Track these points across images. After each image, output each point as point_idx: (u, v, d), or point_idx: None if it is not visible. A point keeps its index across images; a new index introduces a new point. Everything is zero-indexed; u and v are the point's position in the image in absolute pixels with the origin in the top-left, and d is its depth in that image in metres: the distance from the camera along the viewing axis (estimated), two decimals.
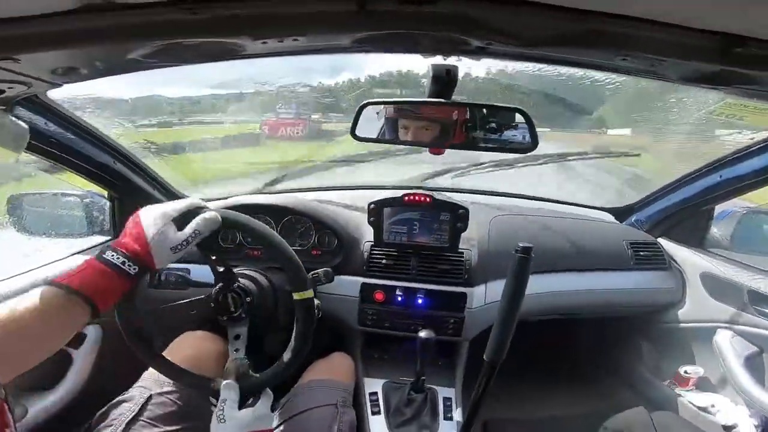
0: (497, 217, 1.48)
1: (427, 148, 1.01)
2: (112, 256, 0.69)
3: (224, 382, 0.91)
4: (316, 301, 0.98)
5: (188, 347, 1.13)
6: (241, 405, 0.89)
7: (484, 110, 0.90)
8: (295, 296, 0.94)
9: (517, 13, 0.52)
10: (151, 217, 0.74)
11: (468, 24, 0.58)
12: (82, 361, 1.19)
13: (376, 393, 1.27)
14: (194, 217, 0.79)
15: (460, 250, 1.34)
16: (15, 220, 1.22)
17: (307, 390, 1.10)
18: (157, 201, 1.40)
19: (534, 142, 0.87)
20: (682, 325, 1.48)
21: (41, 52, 0.58)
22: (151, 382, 0.99)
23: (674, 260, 1.50)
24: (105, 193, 1.31)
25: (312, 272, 1.02)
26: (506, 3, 0.51)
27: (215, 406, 0.89)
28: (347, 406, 1.09)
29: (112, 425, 0.87)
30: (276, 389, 0.97)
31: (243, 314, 1.01)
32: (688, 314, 1.46)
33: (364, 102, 0.92)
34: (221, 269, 1.01)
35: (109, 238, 1.37)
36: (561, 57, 0.66)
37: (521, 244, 0.80)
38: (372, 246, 1.37)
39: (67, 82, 0.77)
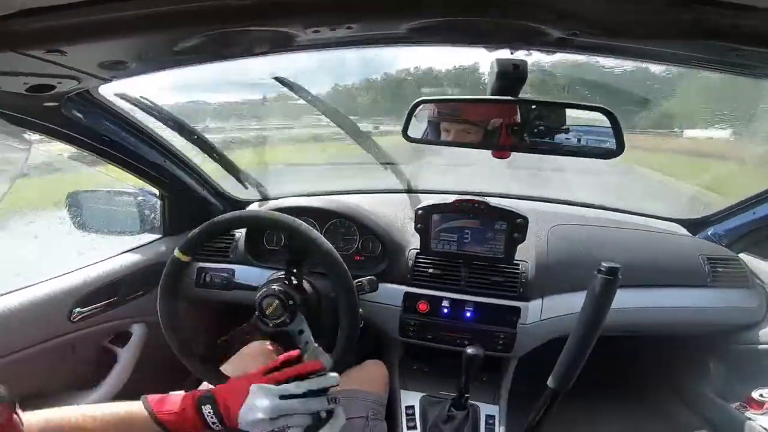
0: (556, 227, 1.37)
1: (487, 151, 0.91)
2: (209, 413, 0.74)
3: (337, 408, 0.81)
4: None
5: (254, 358, 1.14)
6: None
7: (556, 109, 0.80)
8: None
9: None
10: (258, 403, 0.74)
11: (554, 11, 0.50)
12: (126, 360, 1.21)
13: (412, 407, 1.22)
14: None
15: (515, 262, 1.25)
16: (73, 217, 1.26)
17: None
18: (206, 201, 1.43)
19: (620, 147, 0.76)
20: (761, 346, 1.33)
21: (87, 44, 0.57)
22: None
23: (758, 278, 1.34)
24: (156, 191, 1.33)
25: (356, 280, 0.99)
26: None
27: None
28: (378, 419, 1.05)
29: None
30: None
31: (289, 317, 0.99)
32: None
33: (418, 100, 0.85)
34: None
35: (159, 236, 1.40)
36: (654, 51, 0.57)
37: (606, 264, 0.70)
38: (417, 254, 1.30)
39: (115, 78, 0.77)
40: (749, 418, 1.29)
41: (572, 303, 1.25)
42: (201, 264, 1.35)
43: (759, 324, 1.33)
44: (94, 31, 0.52)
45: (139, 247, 1.33)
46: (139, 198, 1.33)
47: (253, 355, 1.17)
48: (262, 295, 0.99)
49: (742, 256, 1.37)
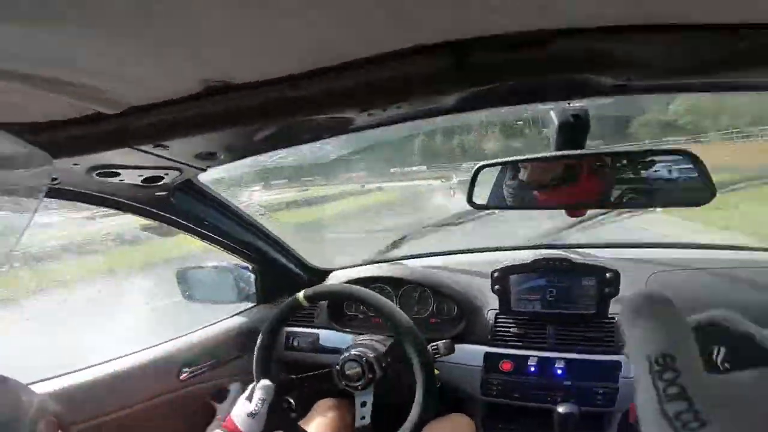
0: (657, 274, 1.21)
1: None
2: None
3: None
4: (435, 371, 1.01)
5: (322, 415, 1.24)
6: None
7: (633, 157, 0.74)
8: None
9: (652, 40, 0.42)
10: (235, 408, 1.01)
11: (598, 62, 0.49)
12: (224, 413, 1.27)
13: None
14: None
15: (611, 315, 1.13)
16: (182, 290, 1.43)
17: None
18: (292, 272, 1.53)
19: (711, 191, 0.67)
20: None
21: (182, 138, 0.66)
22: None
23: None
24: (249, 265, 1.46)
25: (431, 344, 1.05)
26: (638, 31, 0.42)
27: None
28: None
29: None
30: None
31: (364, 384, 1.05)
32: None
33: (480, 164, 0.84)
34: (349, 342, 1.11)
35: (254, 304, 1.51)
36: (713, 82, 0.52)
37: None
38: (497, 314, 1.24)
39: (210, 167, 0.89)
40: None
41: None
42: (289, 329, 1.42)
43: None
44: (184, 126, 0.60)
45: (236, 314, 1.45)
46: (236, 272, 1.48)
47: (323, 410, 1.29)
48: (346, 358, 1.07)
49: None
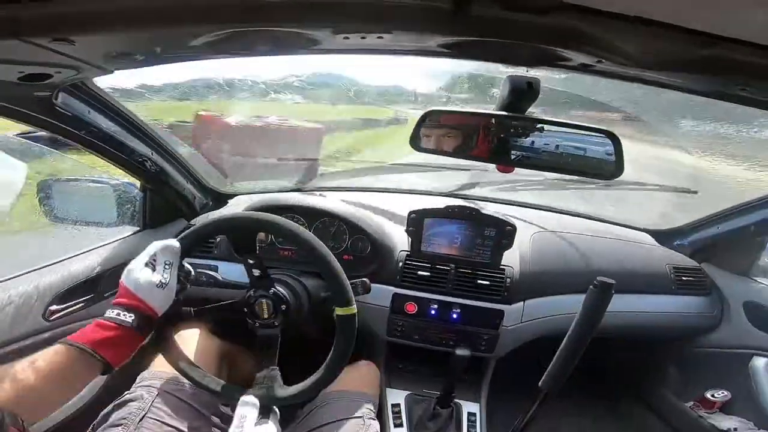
0: (538, 234, 1.43)
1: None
2: (109, 312, 0.75)
3: (243, 398, 0.88)
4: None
5: (188, 345, 1.08)
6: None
7: (562, 129, 0.82)
8: (338, 311, 0.89)
9: (640, 32, 0.46)
10: (126, 273, 0.80)
11: (580, 40, 0.52)
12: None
13: (398, 405, 1.25)
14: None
15: (501, 267, 1.29)
16: (45, 208, 1.18)
17: (332, 401, 1.06)
18: (191, 193, 1.37)
19: (619, 169, 0.79)
20: (714, 350, 1.45)
21: (100, 35, 0.54)
22: (156, 380, 0.97)
23: (716, 286, 1.45)
24: (137, 183, 1.26)
25: (350, 281, 0.96)
26: (629, 21, 0.45)
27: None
28: (372, 419, 1.06)
29: (121, 424, 0.85)
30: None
31: (276, 322, 0.96)
32: (723, 340, 1.43)
33: (429, 110, 0.85)
34: (257, 273, 0.96)
35: (138, 228, 1.33)
36: (671, 82, 0.60)
37: (601, 279, 0.74)
38: (407, 256, 1.32)
39: (119, 69, 0.72)
40: (701, 417, 1.40)
41: (550, 306, 1.31)
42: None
43: (714, 329, 1.44)
44: (110, 22, 0.49)
45: (116, 240, 1.26)
46: (119, 189, 1.27)
47: (187, 339, 1.12)
48: (255, 294, 0.95)
49: (703, 265, 1.48)
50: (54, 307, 1.02)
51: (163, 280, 0.79)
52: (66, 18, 0.48)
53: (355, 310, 0.90)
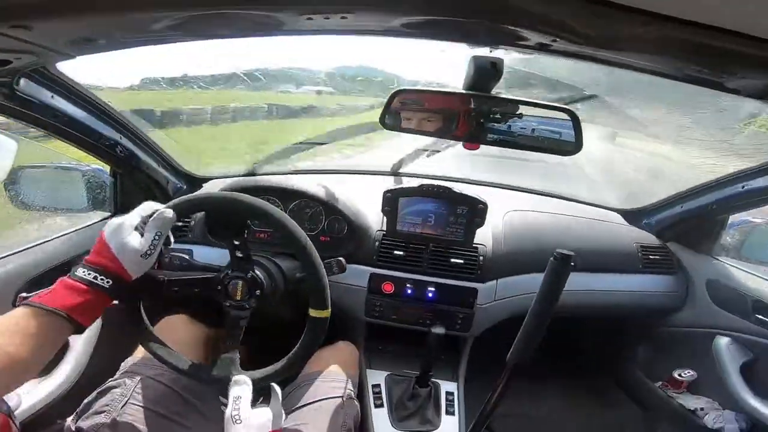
0: (511, 213, 1.46)
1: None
2: (83, 272, 0.69)
3: (235, 378, 0.83)
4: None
5: (172, 331, 1.07)
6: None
7: (524, 107, 0.85)
8: (312, 312, 0.88)
9: (596, 12, 0.48)
10: (112, 231, 0.72)
11: (536, 19, 0.54)
12: (81, 347, 1.14)
13: (379, 385, 1.27)
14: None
15: (474, 245, 1.32)
16: (12, 195, 1.15)
17: (312, 381, 1.07)
18: (163, 177, 1.36)
19: (578, 145, 0.83)
20: (681, 329, 1.50)
21: (57, 20, 0.53)
22: (139, 366, 0.97)
23: (681, 265, 1.50)
24: (107, 168, 1.24)
25: (325, 261, 0.95)
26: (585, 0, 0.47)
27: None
28: (353, 399, 1.08)
29: (104, 411, 0.85)
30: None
31: (247, 305, 0.93)
32: (688, 319, 1.47)
33: (398, 89, 0.87)
34: (240, 255, 0.94)
35: (109, 213, 1.31)
36: (624, 61, 0.62)
37: (560, 251, 0.77)
38: (384, 235, 1.33)
39: (81, 54, 0.71)
40: (670, 396, 1.45)
41: (522, 285, 1.34)
42: None
43: (681, 308, 1.49)
44: (67, 8, 0.49)
45: (87, 225, 1.25)
46: (88, 174, 1.24)
47: (171, 326, 1.12)
48: (230, 275, 0.92)
49: (669, 245, 1.53)
50: (24, 294, 1.01)
51: (149, 251, 0.73)
52: (23, 3, 0.47)
53: (329, 314, 0.89)
